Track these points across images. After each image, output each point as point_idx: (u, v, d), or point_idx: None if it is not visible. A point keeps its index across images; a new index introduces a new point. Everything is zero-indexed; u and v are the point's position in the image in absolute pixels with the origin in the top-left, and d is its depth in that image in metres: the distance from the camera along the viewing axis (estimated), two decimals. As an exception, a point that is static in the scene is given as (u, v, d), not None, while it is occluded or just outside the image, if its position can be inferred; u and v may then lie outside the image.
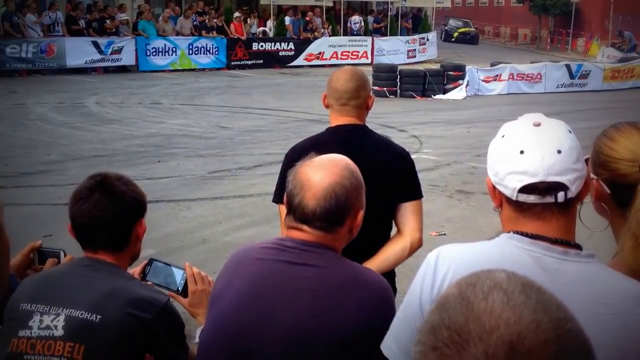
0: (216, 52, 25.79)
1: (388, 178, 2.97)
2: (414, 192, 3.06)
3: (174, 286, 2.36)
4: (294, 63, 27.75)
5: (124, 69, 23.79)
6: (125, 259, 2.27)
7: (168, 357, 2.16)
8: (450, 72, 20.81)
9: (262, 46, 27.31)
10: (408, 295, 1.67)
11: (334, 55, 28.61)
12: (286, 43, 27.88)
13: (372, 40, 30.14)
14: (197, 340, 2.15)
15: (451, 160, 11.58)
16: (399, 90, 20.18)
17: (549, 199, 1.58)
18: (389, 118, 15.34)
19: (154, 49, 24.24)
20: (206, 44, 25.52)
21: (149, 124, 14.28)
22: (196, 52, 25.32)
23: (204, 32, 25.72)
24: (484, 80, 21.45)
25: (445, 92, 20.34)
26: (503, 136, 1.65)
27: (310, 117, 14.95)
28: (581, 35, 41.56)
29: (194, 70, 24.95)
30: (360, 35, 30.30)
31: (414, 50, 31.94)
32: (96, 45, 22.86)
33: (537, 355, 0.86)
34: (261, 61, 26.93)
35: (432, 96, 19.97)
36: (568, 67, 23.15)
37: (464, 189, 9.66)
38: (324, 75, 18.22)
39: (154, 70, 23.96)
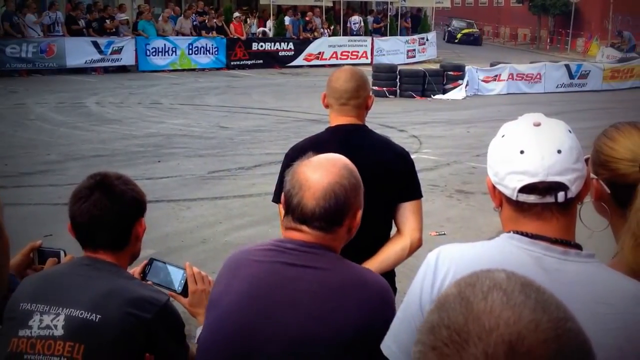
0: (216, 52, 25.79)
1: (388, 178, 2.97)
2: (413, 192, 3.06)
3: (174, 286, 2.36)
4: (294, 63, 27.74)
5: (123, 69, 23.79)
6: (125, 259, 2.27)
7: (168, 357, 2.16)
8: (449, 72, 20.81)
9: (261, 46, 27.31)
10: (408, 295, 1.67)
11: (334, 55, 28.61)
12: (286, 43, 27.88)
13: (372, 40, 30.14)
14: (197, 340, 2.14)
15: (451, 160, 11.58)
16: (398, 90, 20.18)
17: (549, 199, 1.58)
18: (389, 118, 15.34)
19: (154, 49, 24.24)
20: (206, 44, 25.52)
21: (148, 124, 14.28)
22: (196, 52, 25.32)
23: (203, 32, 25.72)
24: (483, 80, 21.45)
25: (444, 92, 20.34)
26: (503, 136, 1.65)
27: (310, 117, 14.95)
28: (581, 35, 41.56)
29: (193, 70, 24.95)
30: (360, 35, 30.30)
31: (414, 50, 31.93)
32: (96, 45, 22.86)
33: (537, 354, 0.86)
34: (261, 61, 26.93)
35: (432, 96, 19.97)
36: (567, 67, 23.15)
37: (463, 189, 9.66)
38: (323, 75, 18.21)
39: (153, 70, 23.95)
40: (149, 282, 2.33)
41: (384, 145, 3.12)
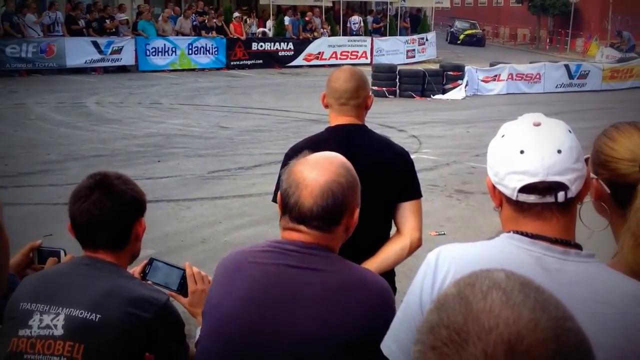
0: (216, 52, 25.79)
1: (388, 178, 2.97)
2: (413, 192, 3.06)
3: (174, 286, 2.36)
4: (294, 63, 27.74)
5: (123, 69, 23.79)
6: (125, 258, 2.27)
7: (168, 356, 2.16)
8: (449, 72, 20.81)
9: (261, 46, 27.31)
10: (408, 295, 1.67)
11: (334, 55, 28.60)
12: (285, 43, 27.88)
13: (372, 40, 30.13)
14: (195, 342, 2.13)
15: (450, 160, 11.58)
16: (398, 90, 20.17)
17: (549, 199, 1.58)
18: (388, 118, 15.34)
19: (154, 49, 24.24)
20: (206, 44, 25.52)
21: (148, 124, 14.29)
22: (196, 52, 25.32)
23: (203, 32, 25.72)
24: (483, 80, 21.45)
25: (444, 92, 20.34)
26: (503, 136, 1.65)
27: (309, 117, 14.95)
28: (580, 35, 41.57)
29: (193, 70, 24.95)
30: (359, 35, 30.31)
31: (413, 50, 31.93)
32: (96, 45, 22.86)
33: (536, 354, 0.86)
34: (260, 61, 26.93)
35: (432, 96, 19.97)
36: (567, 67, 23.15)
37: (463, 189, 9.67)
38: (323, 75, 18.21)
39: (153, 70, 23.95)
40: (148, 282, 2.33)
41: (384, 145, 3.12)
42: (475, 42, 44.90)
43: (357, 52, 29.52)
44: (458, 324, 0.90)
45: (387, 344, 1.67)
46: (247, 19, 28.10)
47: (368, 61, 27.96)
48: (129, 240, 2.24)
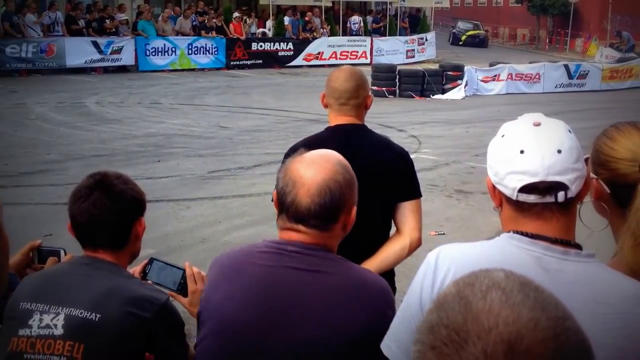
0: (215, 52, 25.79)
1: (387, 177, 2.97)
2: (413, 192, 3.06)
3: (174, 286, 2.36)
4: (293, 63, 27.75)
5: (123, 69, 23.80)
6: (125, 258, 2.27)
7: (168, 356, 2.16)
8: (449, 72, 20.82)
9: (261, 46, 27.31)
10: (408, 295, 1.67)
11: (333, 55, 28.61)
12: (285, 43, 27.88)
13: (371, 40, 30.14)
14: (195, 344, 2.12)
15: (450, 160, 11.58)
16: (397, 90, 20.18)
17: (549, 199, 1.58)
18: (388, 118, 15.34)
19: (154, 49, 24.25)
20: (205, 44, 25.52)
21: (148, 124, 14.28)
22: (195, 52, 25.32)
23: (203, 32, 25.72)
24: (482, 80, 21.45)
25: (444, 92, 20.34)
26: (503, 136, 1.65)
27: (309, 117, 14.95)
28: (579, 35, 41.57)
29: (193, 70, 24.95)
30: (359, 35, 30.31)
31: (413, 50, 31.95)
32: (96, 45, 22.86)
33: (536, 353, 0.86)
34: (260, 61, 26.93)
35: (431, 96, 19.97)
36: (566, 67, 23.15)
37: (462, 189, 9.67)
38: (323, 75, 18.19)
39: (153, 70, 23.95)
40: (149, 282, 2.33)
41: (384, 144, 3.11)
42: (478, 43, 43.95)
43: (357, 52, 29.52)
44: (457, 324, 0.90)
45: (387, 344, 1.67)
46: (247, 19, 28.09)
47: (368, 61, 27.96)
48: (129, 240, 2.24)
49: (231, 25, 26.61)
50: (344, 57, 28.36)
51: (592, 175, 1.85)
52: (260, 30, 28.22)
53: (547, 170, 1.55)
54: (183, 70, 24.62)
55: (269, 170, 9.88)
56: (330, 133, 3.09)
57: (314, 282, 1.86)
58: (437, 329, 0.91)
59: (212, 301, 1.94)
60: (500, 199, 1.67)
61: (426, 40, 33.12)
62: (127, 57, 23.69)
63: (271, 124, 14.70)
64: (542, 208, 1.59)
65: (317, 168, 1.89)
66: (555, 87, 22.46)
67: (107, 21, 23.54)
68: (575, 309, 0.96)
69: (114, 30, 23.60)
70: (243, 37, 26.75)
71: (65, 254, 2.42)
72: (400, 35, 32.13)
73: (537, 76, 22.32)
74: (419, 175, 3.21)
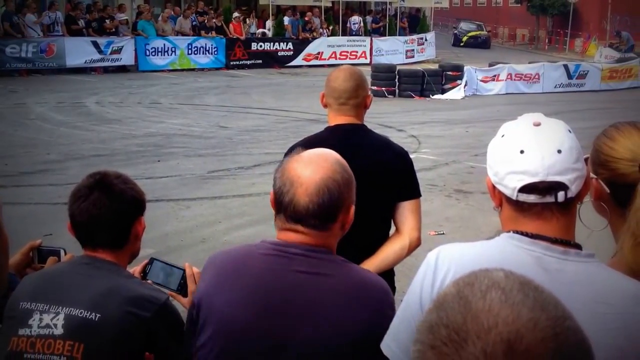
0: (215, 52, 25.79)
1: (387, 177, 2.97)
2: (412, 191, 3.06)
3: (174, 285, 2.36)
4: (293, 63, 27.75)
5: (123, 69, 23.80)
6: (125, 257, 2.27)
7: (168, 356, 2.16)
8: (448, 72, 20.82)
9: (261, 46, 27.31)
10: (408, 295, 1.67)
11: (333, 56, 28.60)
12: (285, 43, 27.88)
13: (371, 40, 30.14)
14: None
15: (449, 159, 11.58)
16: (397, 90, 20.17)
17: (549, 199, 1.58)
18: (388, 118, 15.34)
19: (154, 49, 24.24)
20: (205, 44, 25.52)
21: (148, 124, 14.28)
22: (195, 52, 25.32)
23: (203, 32, 25.72)
24: (482, 80, 21.45)
25: (443, 92, 20.34)
26: (503, 136, 1.65)
27: (309, 116, 14.95)
28: (579, 35, 41.58)
29: (193, 70, 24.95)
30: (359, 35, 30.31)
31: (413, 50, 31.95)
32: (96, 45, 22.86)
33: (535, 353, 0.86)
34: (260, 61, 26.93)
35: (431, 96, 19.97)
36: (566, 67, 23.16)
37: (462, 189, 9.67)
38: (322, 75, 18.16)
39: (153, 70, 23.95)
40: (149, 282, 2.34)
41: (383, 144, 3.11)
42: (480, 44, 43.04)
43: (357, 52, 29.52)
44: (457, 323, 0.90)
45: (387, 344, 1.67)
46: (247, 19, 28.10)
47: (367, 61, 27.96)
48: (129, 240, 2.24)
49: (231, 25, 26.61)
50: (344, 57, 28.35)
51: (592, 175, 1.86)
52: (260, 30, 28.22)
53: (547, 170, 1.55)
54: (183, 70, 24.61)
55: (268, 170, 9.87)
56: (330, 133, 3.09)
57: (316, 285, 1.86)
58: (437, 328, 0.91)
59: (214, 305, 1.91)
60: (500, 198, 1.67)
61: (426, 40, 33.12)
62: (127, 57, 23.69)
63: (271, 124, 14.70)
64: (542, 208, 1.59)
65: (315, 167, 1.88)
66: (555, 87, 22.46)
67: (107, 21, 23.54)
68: (575, 309, 0.96)
69: (113, 30, 23.59)
70: (243, 37, 26.75)
71: (65, 253, 2.42)
72: (400, 35, 32.13)
73: (536, 76, 22.32)
74: (419, 175, 3.21)
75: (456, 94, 20.23)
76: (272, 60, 27.36)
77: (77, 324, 2.03)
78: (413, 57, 31.53)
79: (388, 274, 2.96)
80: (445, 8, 41.31)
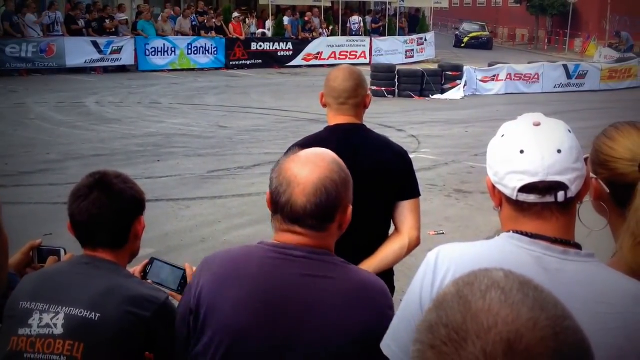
0: (215, 52, 25.79)
1: (386, 177, 2.97)
2: (412, 191, 3.06)
3: (174, 285, 2.37)
4: (293, 63, 27.75)
5: (123, 69, 23.79)
6: (125, 257, 2.27)
7: (167, 355, 2.16)
8: (448, 72, 20.80)
9: (260, 46, 27.31)
10: (408, 295, 1.67)
11: (332, 56, 28.59)
12: (285, 43, 27.88)
13: (371, 40, 30.13)
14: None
15: (449, 159, 11.58)
16: (397, 90, 20.16)
17: (549, 199, 1.58)
18: (387, 118, 15.34)
19: (153, 49, 24.24)
20: (205, 44, 25.52)
21: (148, 124, 14.28)
22: (195, 52, 25.31)
23: (203, 32, 25.72)
24: (481, 80, 21.45)
25: (443, 92, 20.33)
26: (503, 136, 1.65)
27: (308, 116, 14.95)
28: (578, 35, 41.58)
29: (193, 70, 24.95)
30: (359, 35, 30.30)
31: (412, 50, 31.95)
32: (95, 45, 22.86)
33: (535, 352, 0.86)
34: (260, 61, 26.93)
35: (430, 96, 19.96)
36: (565, 67, 23.16)
37: (462, 189, 9.67)
38: (322, 75, 18.13)
39: (153, 70, 23.95)
40: (149, 281, 2.34)
41: (383, 144, 3.11)
42: (481, 44, 42.43)
43: (356, 52, 29.52)
44: (457, 323, 0.90)
45: (387, 343, 1.67)
46: (247, 19, 28.09)
47: (367, 61, 27.95)
48: (129, 239, 2.24)
49: (231, 25, 26.60)
50: (343, 57, 28.33)
51: (591, 175, 1.86)
52: (260, 30, 28.22)
53: (547, 170, 1.56)
54: (183, 70, 24.61)
55: (268, 170, 9.68)
56: (330, 133, 3.09)
57: (316, 287, 1.86)
58: (437, 328, 0.91)
59: (215, 308, 1.88)
60: (500, 198, 1.67)
61: (425, 40, 33.12)
62: (126, 57, 23.69)
63: (270, 124, 14.70)
64: (542, 208, 1.60)
65: (312, 167, 1.87)
66: (554, 87, 22.46)
67: (107, 21, 23.53)
68: (575, 309, 0.96)
69: (113, 30, 23.59)
70: (242, 37, 26.74)
71: (65, 253, 2.42)
72: (399, 35, 32.13)
73: (536, 76, 22.32)
74: (418, 175, 3.21)
75: (456, 94, 20.22)
76: (272, 60, 27.36)
77: (77, 324, 2.03)
78: (413, 57, 31.53)
79: (387, 274, 2.97)
80: (444, 8, 41.29)
